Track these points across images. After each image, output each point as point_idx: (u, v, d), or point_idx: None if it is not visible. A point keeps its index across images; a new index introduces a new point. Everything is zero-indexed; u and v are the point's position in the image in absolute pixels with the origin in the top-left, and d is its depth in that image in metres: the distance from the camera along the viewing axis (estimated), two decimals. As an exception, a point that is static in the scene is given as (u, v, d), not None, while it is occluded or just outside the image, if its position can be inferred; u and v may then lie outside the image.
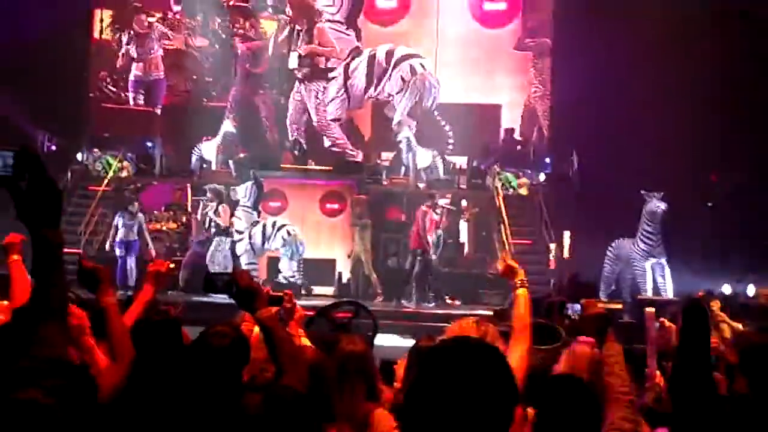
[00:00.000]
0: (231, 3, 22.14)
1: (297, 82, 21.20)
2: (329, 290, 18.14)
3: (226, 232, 17.84)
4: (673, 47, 17.76)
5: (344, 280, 18.60)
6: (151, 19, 22.05)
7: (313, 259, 18.67)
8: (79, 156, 20.92)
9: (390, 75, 20.92)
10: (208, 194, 18.07)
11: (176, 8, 22.70)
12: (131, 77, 21.90)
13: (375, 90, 21.17)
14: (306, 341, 4.64)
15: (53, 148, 20.66)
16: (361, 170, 20.06)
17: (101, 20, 22.64)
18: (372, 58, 21.16)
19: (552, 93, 21.57)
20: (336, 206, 19.79)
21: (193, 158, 20.53)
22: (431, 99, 20.86)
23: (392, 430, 3.81)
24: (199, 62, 22.52)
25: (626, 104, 18.28)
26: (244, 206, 18.38)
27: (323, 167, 20.22)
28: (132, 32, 21.72)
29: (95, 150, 20.81)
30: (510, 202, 19.50)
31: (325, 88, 21.09)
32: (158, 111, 21.97)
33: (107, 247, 17.96)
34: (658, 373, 5.26)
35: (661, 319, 5.77)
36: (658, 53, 17.98)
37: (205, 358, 3.47)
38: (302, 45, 20.87)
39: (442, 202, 18.35)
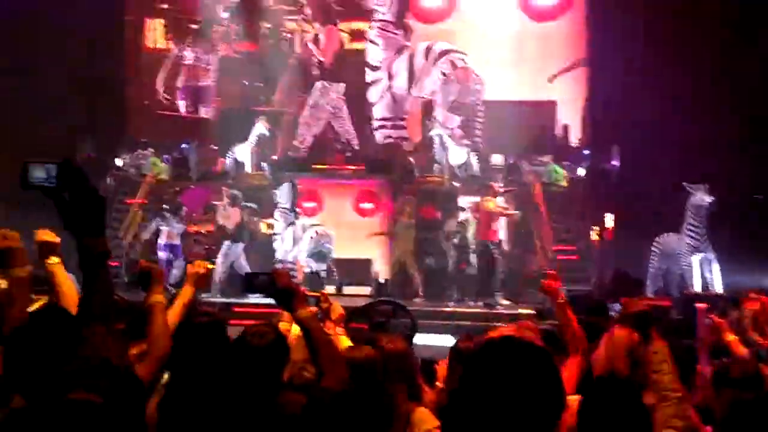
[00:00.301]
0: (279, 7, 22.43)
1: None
2: (366, 290, 18.04)
3: (232, 235, 17.68)
4: (716, 36, 17.52)
5: (381, 279, 18.48)
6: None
7: (349, 259, 18.60)
8: (118, 162, 21.01)
9: (430, 71, 20.88)
10: (225, 198, 18.05)
11: (224, 15, 22.86)
12: (179, 84, 21.94)
13: (417, 87, 21.13)
14: (346, 340, 4.61)
15: (92, 155, 20.78)
16: (393, 169, 19.91)
17: (154, 29, 22.80)
18: (411, 56, 21.20)
19: (590, 85, 21.32)
20: (370, 206, 19.76)
21: (228, 161, 20.60)
22: (473, 95, 20.76)
23: (434, 430, 3.83)
24: (248, 67, 22.52)
25: (668, 96, 18.00)
26: (282, 208, 18.41)
27: (355, 167, 20.12)
28: (190, 39, 21.76)
29: (141, 151, 20.81)
30: (549, 197, 19.25)
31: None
32: (208, 116, 22.16)
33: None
34: (709, 369, 5.09)
35: (711, 315, 5.60)
36: (701, 43, 17.70)
37: (246, 358, 3.51)
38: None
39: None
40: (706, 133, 17.04)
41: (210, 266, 4.69)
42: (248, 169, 20.39)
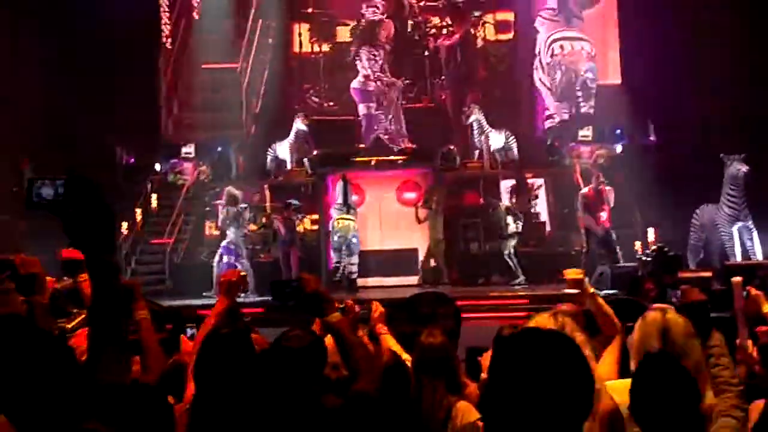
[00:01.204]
0: (422, 3, 22.67)
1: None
2: (413, 279, 18.16)
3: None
4: (746, 7, 17.36)
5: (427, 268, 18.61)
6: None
7: (394, 250, 18.69)
8: (157, 166, 21.20)
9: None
10: (224, 198, 18.13)
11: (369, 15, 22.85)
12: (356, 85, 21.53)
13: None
14: (390, 339, 4.63)
15: (132, 160, 21.05)
16: (434, 157, 19.98)
17: (299, 34, 23.06)
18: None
19: (623, 60, 21.23)
20: (413, 195, 19.69)
21: (268, 159, 20.67)
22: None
23: (475, 423, 3.81)
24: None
25: (700, 67, 17.91)
26: (336, 204, 18.41)
27: (396, 157, 20.19)
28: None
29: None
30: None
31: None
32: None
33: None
34: (749, 342, 5.15)
35: (748, 287, 5.62)
36: (732, 13, 17.55)
37: (285, 361, 3.52)
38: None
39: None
40: (740, 106, 16.95)
41: (243, 273, 4.63)
42: (288, 166, 20.57)
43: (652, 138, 19.45)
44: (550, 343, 2.15)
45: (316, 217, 19.59)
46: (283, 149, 20.44)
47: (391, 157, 20.00)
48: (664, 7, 18.44)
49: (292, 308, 3.90)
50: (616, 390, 3.59)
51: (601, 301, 4.55)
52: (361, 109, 20.98)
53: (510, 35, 22.88)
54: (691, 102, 17.60)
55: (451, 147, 20.48)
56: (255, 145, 21.24)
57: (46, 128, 18.11)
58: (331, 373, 3.95)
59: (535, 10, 21.98)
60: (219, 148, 21.34)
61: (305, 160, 20.33)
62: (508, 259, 17.68)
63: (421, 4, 22.82)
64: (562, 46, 21.59)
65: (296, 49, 23.22)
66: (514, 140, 20.21)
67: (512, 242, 17.75)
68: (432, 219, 18.43)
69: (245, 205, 18.17)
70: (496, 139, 20.04)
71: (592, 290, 4.62)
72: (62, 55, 18.79)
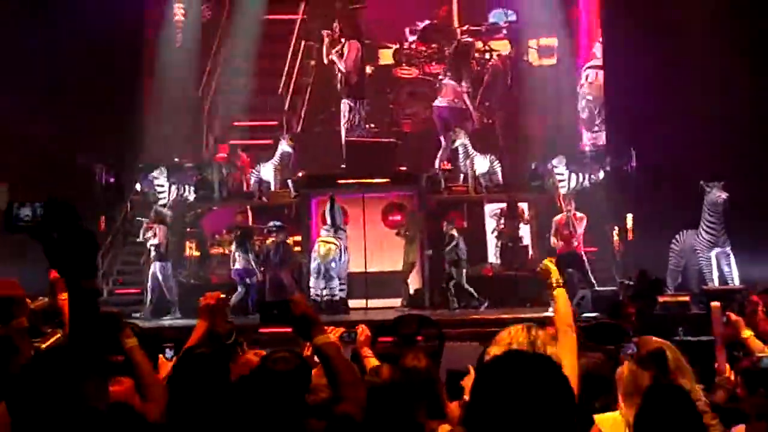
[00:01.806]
0: (465, 27, 22.97)
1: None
2: (397, 302, 18.17)
3: (162, 255, 17.66)
4: (727, 34, 17.54)
5: (411, 291, 18.66)
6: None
7: (380, 272, 18.69)
8: (137, 186, 21.07)
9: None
10: (152, 216, 18.12)
11: (411, 38, 23.36)
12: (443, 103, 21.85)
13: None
14: (375, 363, 4.61)
15: (111, 180, 20.89)
16: (419, 181, 20.06)
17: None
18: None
19: (605, 88, 21.44)
20: (398, 218, 19.71)
21: (252, 180, 20.67)
22: None
23: None
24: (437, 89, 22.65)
25: (679, 95, 18.08)
26: (325, 226, 18.29)
27: (381, 180, 20.24)
28: None
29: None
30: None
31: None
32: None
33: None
34: (727, 366, 5.23)
35: (728, 312, 5.72)
36: (712, 41, 17.73)
37: (270, 384, 3.48)
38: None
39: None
40: (720, 131, 17.12)
41: (222, 296, 4.56)
42: (272, 187, 20.58)
43: (632, 164, 19.59)
44: (533, 367, 2.15)
45: (299, 238, 19.56)
46: (267, 171, 20.43)
47: (376, 180, 20.05)
48: (646, 35, 18.60)
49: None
50: (604, 422, 3.63)
51: (558, 293, 4.42)
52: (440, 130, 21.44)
53: (553, 60, 23.01)
54: (673, 129, 17.74)
55: (437, 171, 20.56)
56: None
57: (23, 148, 17.90)
58: (308, 397, 3.92)
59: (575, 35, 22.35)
60: (199, 171, 21.26)
61: (289, 181, 20.33)
62: (466, 287, 17.76)
63: (464, 27, 23.14)
64: (587, 75, 21.98)
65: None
66: (499, 165, 20.33)
67: (464, 269, 17.86)
68: (407, 245, 18.65)
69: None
70: (481, 163, 20.13)
71: (556, 280, 4.51)
72: (41, 72, 18.69)
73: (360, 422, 3.34)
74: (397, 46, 23.12)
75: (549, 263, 4.41)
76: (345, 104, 21.33)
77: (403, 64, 23.34)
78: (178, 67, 22.25)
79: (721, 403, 4.77)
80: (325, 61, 21.74)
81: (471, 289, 17.72)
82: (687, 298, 14.12)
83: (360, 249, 19.19)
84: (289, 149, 20.31)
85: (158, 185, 20.13)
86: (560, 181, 19.85)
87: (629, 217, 18.26)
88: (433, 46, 23.27)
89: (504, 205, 19.59)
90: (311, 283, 17.81)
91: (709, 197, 16.52)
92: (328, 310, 17.05)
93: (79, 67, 18.61)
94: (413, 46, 23.42)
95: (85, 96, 18.77)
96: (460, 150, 20.06)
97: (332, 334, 4.29)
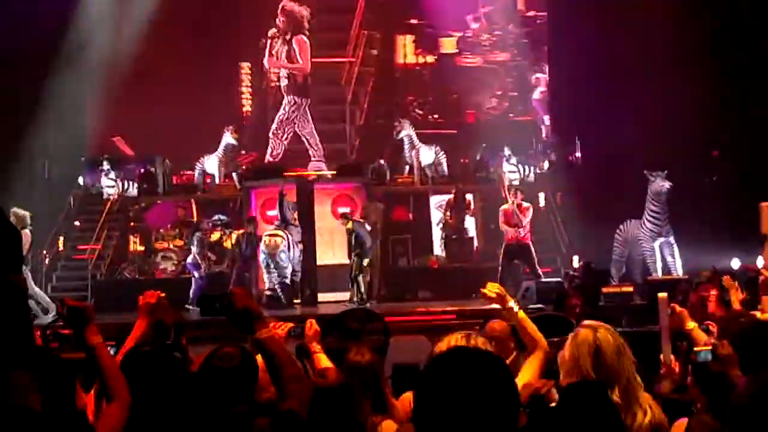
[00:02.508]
0: (529, 14, 22.90)
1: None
2: (345, 296, 17.98)
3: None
4: (668, 23, 17.72)
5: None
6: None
7: (328, 265, 18.33)
8: (80, 180, 20.79)
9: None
10: (11, 218, 17.62)
11: (474, 26, 23.13)
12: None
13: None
14: (323, 358, 4.56)
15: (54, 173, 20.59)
16: (363, 172, 19.99)
17: (404, 45, 23.03)
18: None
19: (549, 79, 21.60)
20: (347, 209, 18.99)
21: (196, 172, 20.46)
22: None
23: None
24: (502, 77, 22.66)
25: (624, 85, 18.25)
26: (276, 223, 18.01)
27: (326, 172, 20.15)
28: None
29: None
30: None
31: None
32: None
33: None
34: (672, 357, 5.24)
35: (672, 304, 5.74)
36: (654, 31, 17.92)
37: (214, 381, 3.45)
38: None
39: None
40: (663, 120, 17.32)
41: (162, 295, 4.46)
42: (217, 180, 20.36)
43: (578, 154, 19.76)
44: (479, 362, 2.16)
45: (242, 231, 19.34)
46: (211, 163, 20.22)
47: (321, 172, 19.95)
48: (590, 24, 18.74)
49: None
50: None
51: (522, 315, 4.54)
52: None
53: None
54: (616, 118, 17.90)
55: (382, 162, 20.53)
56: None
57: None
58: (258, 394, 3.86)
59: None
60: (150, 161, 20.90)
61: (234, 174, 20.13)
62: (359, 279, 17.21)
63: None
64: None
65: (400, 60, 23.26)
66: (444, 155, 20.34)
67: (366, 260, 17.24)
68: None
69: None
70: (427, 154, 20.12)
71: (511, 304, 4.60)
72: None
73: (304, 419, 3.27)
74: (460, 34, 23.01)
75: (496, 290, 4.46)
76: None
77: (466, 53, 23.20)
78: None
79: (666, 394, 4.79)
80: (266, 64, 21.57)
81: (360, 282, 17.23)
82: (631, 289, 14.28)
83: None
84: (233, 141, 20.15)
85: (110, 178, 20.00)
86: (511, 171, 19.94)
87: (557, 195, 18.33)
88: (497, 33, 23.08)
89: (450, 196, 19.49)
90: (264, 278, 17.47)
91: (652, 187, 16.70)
92: (280, 303, 16.87)
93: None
94: (475, 33, 23.24)
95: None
96: (406, 141, 20.03)
97: (280, 329, 4.25)
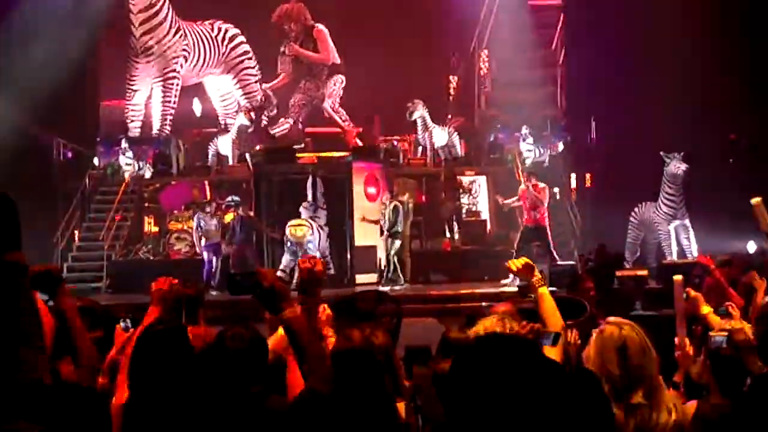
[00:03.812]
0: None
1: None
2: (372, 278, 17.63)
3: None
4: (689, 6, 17.61)
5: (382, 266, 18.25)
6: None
7: (359, 247, 17.82)
8: (95, 161, 20.88)
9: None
10: None
11: None
12: None
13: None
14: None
15: (69, 155, 20.69)
16: (378, 153, 19.92)
17: None
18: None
19: (566, 60, 21.46)
20: (374, 190, 18.54)
21: (209, 154, 20.45)
22: None
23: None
24: None
25: (640, 67, 18.13)
26: (305, 203, 17.64)
27: (340, 153, 20.09)
28: None
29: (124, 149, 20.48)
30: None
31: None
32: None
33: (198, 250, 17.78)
34: (687, 341, 5.19)
35: (688, 288, 5.68)
36: (674, 12, 17.78)
37: (223, 361, 3.45)
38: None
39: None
40: (680, 101, 17.19)
41: (174, 281, 4.48)
42: (230, 161, 20.34)
43: (593, 135, 19.64)
44: (514, 348, 2.11)
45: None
46: (224, 144, 20.21)
47: (336, 153, 19.89)
48: (607, 6, 18.64)
49: None
50: None
51: (544, 290, 4.45)
52: None
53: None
54: (632, 99, 17.79)
55: (395, 143, 20.45)
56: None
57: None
58: None
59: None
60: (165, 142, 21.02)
61: (247, 155, 20.11)
62: (405, 260, 16.98)
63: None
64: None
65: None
66: (458, 137, 20.27)
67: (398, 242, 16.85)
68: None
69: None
70: (440, 135, 20.03)
71: (538, 278, 4.51)
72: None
73: (327, 396, 3.27)
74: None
75: (524, 260, 4.39)
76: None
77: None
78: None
79: (681, 379, 4.76)
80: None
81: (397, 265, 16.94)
82: (645, 273, 14.19)
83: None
84: (247, 122, 20.12)
85: (128, 157, 20.16)
86: (528, 151, 19.88)
87: (572, 176, 18.18)
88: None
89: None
90: (283, 259, 16.87)
91: (668, 169, 16.55)
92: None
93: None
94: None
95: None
96: (419, 122, 19.90)
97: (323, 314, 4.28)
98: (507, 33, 21.93)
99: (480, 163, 20.41)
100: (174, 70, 21.46)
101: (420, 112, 19.78)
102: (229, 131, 20.51)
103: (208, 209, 17.58)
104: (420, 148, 20.35)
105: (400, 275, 16.69)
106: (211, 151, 20.39)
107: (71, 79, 19.22)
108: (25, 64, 18.48)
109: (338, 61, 22.16)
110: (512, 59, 21.62)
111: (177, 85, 21.58)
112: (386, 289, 15.33)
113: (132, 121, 21.51)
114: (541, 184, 16.46)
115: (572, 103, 20.91)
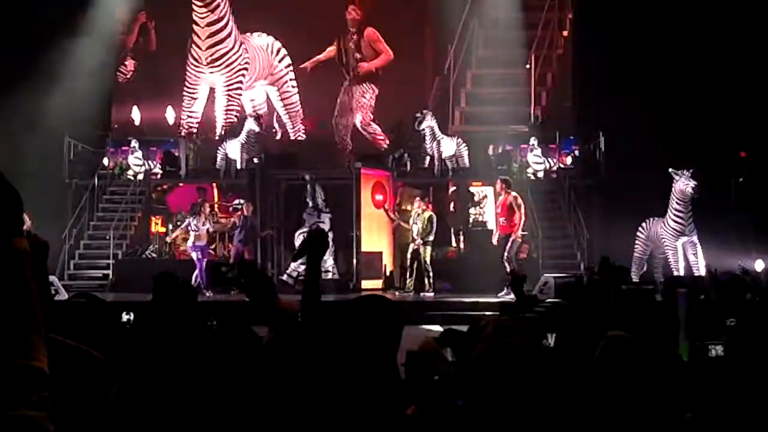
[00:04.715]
0: None
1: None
2: (377, 284, 17.82)
3: None
4: (699, 23, 17.61)
5: (387, 272, 18.39)
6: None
7: (365, 253, 18.00)
8: (105, 160, 20.91)
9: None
10: None
11: None
12: None
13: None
14: None
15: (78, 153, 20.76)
16: (386, 161, 19.93)
17: None
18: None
19: (575, 73, 21.43)
20: (381, 197, 18.73)
21: (218, 157, 20.45)
22: None
23: None
24: None
25: (651, 83, 18.13)
26: (307, 209, 17.89)
27: (349, 160, 20.09)
28: None
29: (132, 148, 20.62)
30: (537, 186, 19.34)
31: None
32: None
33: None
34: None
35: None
36: (683, 29, 17.79)
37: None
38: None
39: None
40: (690, 116, 17.20)
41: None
42: (239, 165, 20.34)
43: (601, 149, 19.63)
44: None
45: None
46: (233, 149, 20.22)
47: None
48: (618, 19, 18.65)
49: None
50: None
51: None
52: None
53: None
54: (641, 115, 17.78)
55: (403, 152, 20.44)
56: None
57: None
58: None
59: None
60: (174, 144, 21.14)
61: (255, 159, 20.13)
62: (429, 268, 17.37)
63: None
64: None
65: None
66: (466, 147, 20.24)
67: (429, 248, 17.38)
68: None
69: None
70: (448, 145, 20.02)
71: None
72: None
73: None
74: None
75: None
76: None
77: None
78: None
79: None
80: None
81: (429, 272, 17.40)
82: (651, 287, 14.15)
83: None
84: (256, 127, 20.13)
85: (137, 157, 20.35)
86: (537, 163, 19.90)
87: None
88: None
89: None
90: (292, 264, 17.00)
91: (677, 185, 16.52)
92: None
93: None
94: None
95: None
96: (427, 132, 19.84)
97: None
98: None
99: (487, 175, 20.33)
100: (239, 82, 22.27)
101: (428, 122, 19.77)
102: (238, 136, 20.52)
103: (201, 215, 17.67)
104: (427, 158, 20.31)
105: (429, 282, 17.23)
106: (219, 155, 20.38)
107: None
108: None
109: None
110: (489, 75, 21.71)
111: (240, 95, 22.41)
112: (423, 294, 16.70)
113: (190, 127, 21.98)
114: (514, 193, 16.50)
115: (581, 116, 20.87)
